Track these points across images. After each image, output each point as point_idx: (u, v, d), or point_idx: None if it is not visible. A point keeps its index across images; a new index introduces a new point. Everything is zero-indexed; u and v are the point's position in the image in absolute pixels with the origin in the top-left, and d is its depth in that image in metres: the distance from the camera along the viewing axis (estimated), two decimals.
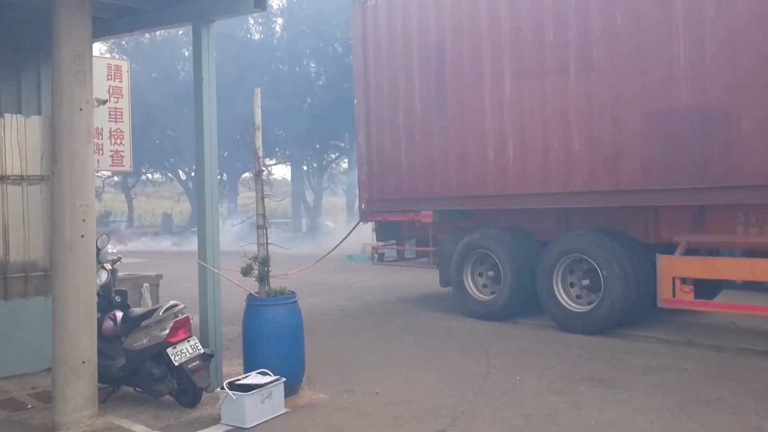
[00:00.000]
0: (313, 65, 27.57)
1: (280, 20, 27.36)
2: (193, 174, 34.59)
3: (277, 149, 29.82)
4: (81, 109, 5.55)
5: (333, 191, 36.17)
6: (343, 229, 24.91)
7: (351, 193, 30.37)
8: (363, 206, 11.33)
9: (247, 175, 36.89)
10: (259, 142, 6.23)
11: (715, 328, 8.84)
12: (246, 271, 6.19)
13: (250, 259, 6.21)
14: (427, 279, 13.40)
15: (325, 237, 20.97)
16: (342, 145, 29.99)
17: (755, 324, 8.81)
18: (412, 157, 10.42)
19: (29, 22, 7.26)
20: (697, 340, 8.08)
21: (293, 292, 6.31)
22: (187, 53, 30.23)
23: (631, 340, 8.34)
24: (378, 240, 12.06)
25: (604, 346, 7.99)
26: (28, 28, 7.30)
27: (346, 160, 31.41)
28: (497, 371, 7.00)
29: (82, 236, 5.55)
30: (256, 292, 6.27)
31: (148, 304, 8.62)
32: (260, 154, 6.23)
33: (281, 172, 39.94)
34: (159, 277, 8.98)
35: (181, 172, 34.34)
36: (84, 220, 5.56)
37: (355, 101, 11.40)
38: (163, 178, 39.39)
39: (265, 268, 6.23)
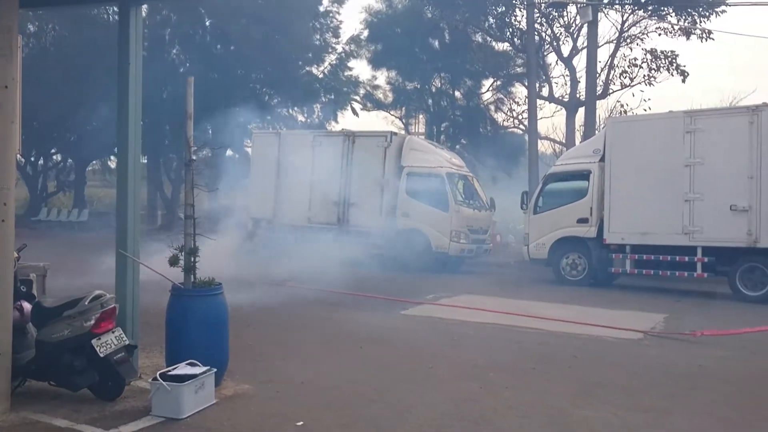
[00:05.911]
0: (175, 52, 26.60)
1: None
2: (33, 159, 32.11)
3: None
4: (6, 87, 5.26)
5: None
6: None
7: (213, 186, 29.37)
8: None
9: (95, 163, 34.92)
10: (190, 131, 6.15)
11: None
12: (173, 262, 6.08)
13: (176, 249, 6.11)
14: None
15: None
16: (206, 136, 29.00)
17: None
18: None
19: None
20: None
21: (221, 284, 6.27)
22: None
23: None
24: None
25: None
26: None
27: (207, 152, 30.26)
28: (408, 359, 7.39)
29: (3, 221, 5.26)
30: (181, 283, 6.17)
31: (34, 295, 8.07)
32: (191, 144, 6.15)
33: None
34: (47, 267, 8.41)
35: (19, 156, 31.70)
36: (5, 204, 5.27)
37: None
38: None
39: (192, 259, 6.15)
